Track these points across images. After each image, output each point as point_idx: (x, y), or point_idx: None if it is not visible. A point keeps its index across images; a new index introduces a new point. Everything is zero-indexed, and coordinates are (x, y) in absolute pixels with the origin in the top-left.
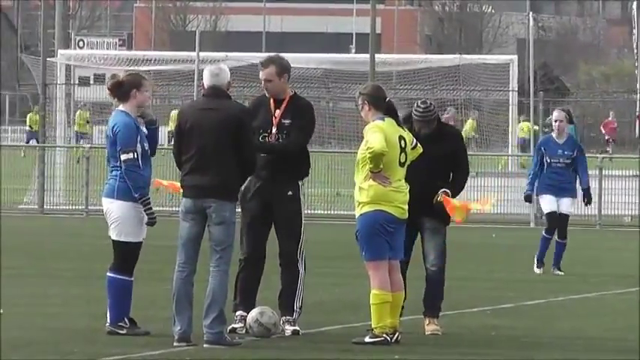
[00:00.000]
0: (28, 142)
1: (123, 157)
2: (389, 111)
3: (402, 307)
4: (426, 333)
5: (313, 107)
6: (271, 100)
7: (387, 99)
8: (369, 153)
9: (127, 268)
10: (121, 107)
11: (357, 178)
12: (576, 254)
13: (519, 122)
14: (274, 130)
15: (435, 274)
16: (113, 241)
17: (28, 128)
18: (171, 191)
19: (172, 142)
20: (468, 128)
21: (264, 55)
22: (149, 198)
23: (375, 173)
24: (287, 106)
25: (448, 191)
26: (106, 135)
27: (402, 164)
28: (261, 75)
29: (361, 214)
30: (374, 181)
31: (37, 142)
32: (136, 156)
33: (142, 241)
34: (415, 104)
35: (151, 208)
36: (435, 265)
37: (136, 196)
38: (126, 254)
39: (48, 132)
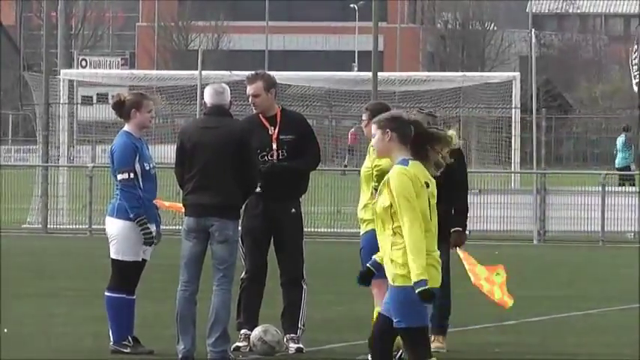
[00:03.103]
0: None
1: (118, 177)
2: None
3: None
4: None
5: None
6: (262, 118)
7: None
8: (376, 170)
9: (125, 286)
10: (125, 127)
11: (361, 196)
12: (579, 270)
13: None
14: (274, 147)
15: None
16: (111, 259)
17: None
18: (172, 211)
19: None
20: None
21: None
22: (144, 218)
23: None
24: (282, 122)
25: (459, 229)
26: (109, 154)
27: None
28: (249, 90)
29: (366, 232)
30: None
31: None
32: (131, 176)
33: (142, 261)
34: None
35: (147, 228)
36: None
37: (131, 216)
38: (123, 273)
39: (51, 151)
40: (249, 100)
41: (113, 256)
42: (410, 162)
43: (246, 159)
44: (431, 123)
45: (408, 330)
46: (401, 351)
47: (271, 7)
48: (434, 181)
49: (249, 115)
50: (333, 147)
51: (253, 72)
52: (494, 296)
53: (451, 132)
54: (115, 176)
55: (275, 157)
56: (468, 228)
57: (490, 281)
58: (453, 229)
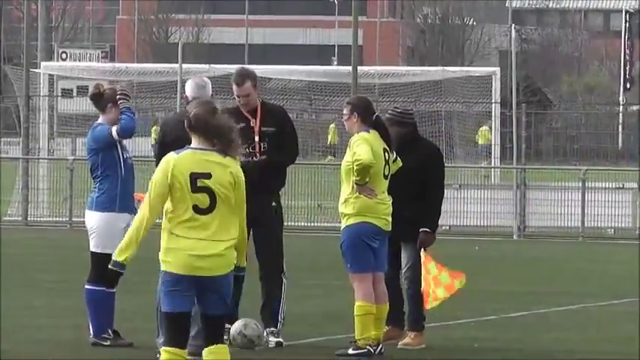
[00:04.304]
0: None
1: (122, 120)
2: (377, 126)
3: (404, 321)
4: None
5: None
6: (243, 111)
7: (376, 114)
8: (357, 165)
9: (105, 279)
10: (99, 119)
11: (342, 190)
12: (559, 266)
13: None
14: (257, 139)
15: (408, 285)
16: (91, 252)
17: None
18: None
19: (155, 154)
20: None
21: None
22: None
23: (361, 186)
24: (263, 114)
25: (427, 230)
26: (87, 147)
27: (385, 177)
28: (239, 92)
29: (347, 226)
30: (360, 194)
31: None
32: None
33: None
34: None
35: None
36: (407, 278)
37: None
38: (102, 266)
39: (31, 144)
40: (239, 100)
41: (92, 249)
42: (183, 151)
43: None
44: (393, 121)
45: (163, 313)
46: (381, 345)
47: (251, 1)
48: (215, 173)
49: (229, 107)
50: (313, 140)
51: (237, 72)
52: (438, 296)
53: (484, 127)
54: (95, 168)
55: (257, 149)
56: (447, 223)
57: (436, 282)
58: (421, 229)
